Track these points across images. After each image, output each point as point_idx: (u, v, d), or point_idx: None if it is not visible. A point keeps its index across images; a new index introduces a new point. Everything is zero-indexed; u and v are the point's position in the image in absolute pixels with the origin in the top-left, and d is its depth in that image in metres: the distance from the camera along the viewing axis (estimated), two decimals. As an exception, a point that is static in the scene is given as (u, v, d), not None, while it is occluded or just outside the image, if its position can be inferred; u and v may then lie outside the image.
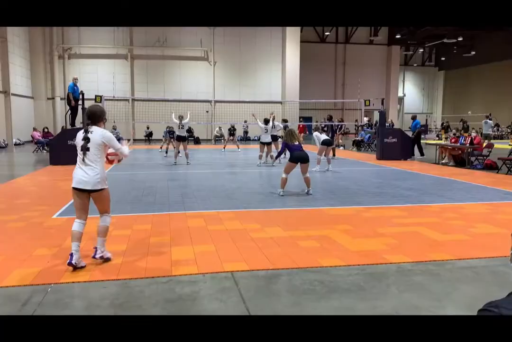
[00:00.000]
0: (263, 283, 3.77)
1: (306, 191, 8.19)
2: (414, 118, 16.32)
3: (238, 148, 19.36)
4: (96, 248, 4.24)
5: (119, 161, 4.58)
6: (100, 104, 4.32)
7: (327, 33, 35.81)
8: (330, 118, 16.81)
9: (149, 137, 26.37)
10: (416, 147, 15.51)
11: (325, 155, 12.02)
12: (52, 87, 26.77)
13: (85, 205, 4.24)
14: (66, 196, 7.84)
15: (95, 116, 4.22)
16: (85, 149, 4.10)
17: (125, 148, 4.41)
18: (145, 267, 4.14)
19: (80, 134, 4.18)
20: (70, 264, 3.97)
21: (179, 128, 13.56)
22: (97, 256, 4.22)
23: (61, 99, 25.94)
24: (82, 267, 4.07)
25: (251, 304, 3.33)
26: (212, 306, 3.31)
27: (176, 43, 27.69)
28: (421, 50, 43.51)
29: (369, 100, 15.72)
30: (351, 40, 36.60)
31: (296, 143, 8.13)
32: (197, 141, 26.06)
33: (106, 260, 4.29)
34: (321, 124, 17.13)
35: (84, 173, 4.08)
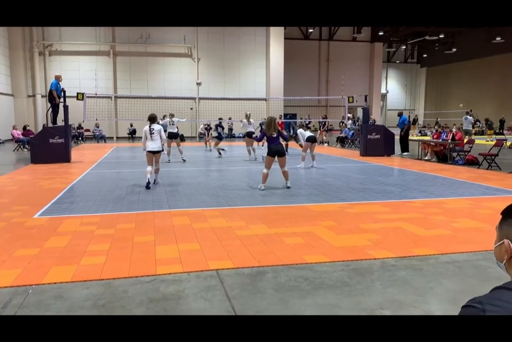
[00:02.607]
0: (248, 281, 3.76)
1: (285, 184, 8.50)
2: (400, 114, 16.27)
3: (208, 147, 18.47)
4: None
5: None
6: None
7: (310, 30, 35.89)
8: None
9: (132, 135, 26.13)
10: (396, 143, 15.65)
11: (309, 151, 12.08)
12: (33, 85, 26.28)
13: (152, 160, 8.56)
14: (48, 195, 7.72)
15: (154, 119, 8.76)
16: (152, 134, 8.46)
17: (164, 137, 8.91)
18: (129, 266, 4.10)
19: (147, 128, 8.52)
20: (148, 187, 8.34)
21: (169, 124, 13.63)
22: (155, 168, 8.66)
23: (42, 96, 25.49)
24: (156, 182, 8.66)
25: (236, 302, 3.32)
26: (197, 305, 3.29)
27: (159, 40, 27.42)
28: (404, 47, 43.94)
29: (352, 97, 15.80)
30: (335, 37, 36.77)
31: (274, 135, 8.35)
32: (181, 138, 25.89)
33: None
34: (304, 121, 17.25)
35: (153, 144, 8.49)
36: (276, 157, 8.35)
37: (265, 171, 8.33)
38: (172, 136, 13.67)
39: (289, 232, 5.32)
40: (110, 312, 3.15)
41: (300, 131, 12.33)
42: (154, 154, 8.57)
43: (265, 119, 16.25)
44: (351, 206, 6.80)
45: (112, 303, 3.31)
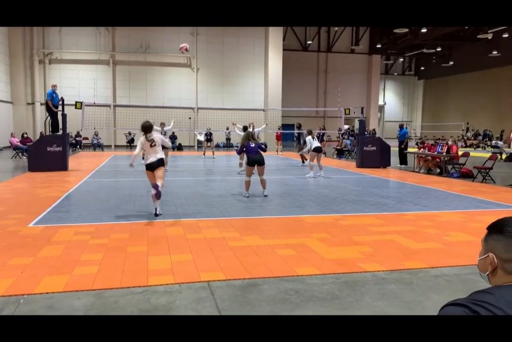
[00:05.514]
0: (239, 293, 3.79)
1: (263, 192, 8.80)
2: (401, 126, 16.22)
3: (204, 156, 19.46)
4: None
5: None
6: (150, 120, 7.18)
7: (309, 42, 36.23)
8: (299, 127, 17.09)
9: (130, 143, 26.22)
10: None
11: (314, 161, 12.46)
12: (32, 92, 26.42)
13: (153, 177, 6.90)
14: (44, 204, 7.75)
15: (148, 129, 6.93)
16: (153, 146, 6.86)
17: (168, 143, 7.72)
18: (121, 277, 4.12)
19: (143, 138, 6.89)
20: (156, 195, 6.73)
21: (161, 134, 13.44)
22: (159, 188, 6.66)
23: (41, 104, 25.59)
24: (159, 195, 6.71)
25: (225, 314, 3.35)
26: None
27: (159, 49, 27.65)
28: (401, 59, 44.37)
29: (349, 109, 15.94)
30: (333, 49, 37.12)
31: (253, 145, 8.70)
32: (179, 148, 26.00)
33: (158, 193, 6.69)
34: (319, 133, 17.35)
35: (153, 158, 6.85)
36: (256, 166, 8.70)
37: (246, 178, 8.80)
38: (163, 146, 13.60)
39: (281, 243, 5.35)
40: (100, 323, 3.17)
41: (309, 139, 12.51)
42: (153, 170, 6.98)
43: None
44: (345, 218, 6.85)
45: (103, 314, 3.33)
